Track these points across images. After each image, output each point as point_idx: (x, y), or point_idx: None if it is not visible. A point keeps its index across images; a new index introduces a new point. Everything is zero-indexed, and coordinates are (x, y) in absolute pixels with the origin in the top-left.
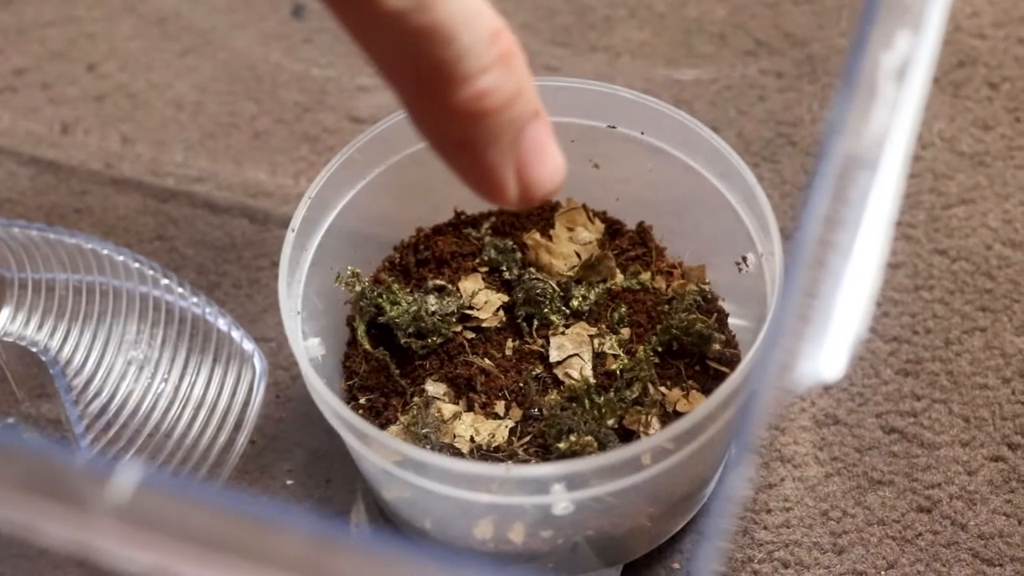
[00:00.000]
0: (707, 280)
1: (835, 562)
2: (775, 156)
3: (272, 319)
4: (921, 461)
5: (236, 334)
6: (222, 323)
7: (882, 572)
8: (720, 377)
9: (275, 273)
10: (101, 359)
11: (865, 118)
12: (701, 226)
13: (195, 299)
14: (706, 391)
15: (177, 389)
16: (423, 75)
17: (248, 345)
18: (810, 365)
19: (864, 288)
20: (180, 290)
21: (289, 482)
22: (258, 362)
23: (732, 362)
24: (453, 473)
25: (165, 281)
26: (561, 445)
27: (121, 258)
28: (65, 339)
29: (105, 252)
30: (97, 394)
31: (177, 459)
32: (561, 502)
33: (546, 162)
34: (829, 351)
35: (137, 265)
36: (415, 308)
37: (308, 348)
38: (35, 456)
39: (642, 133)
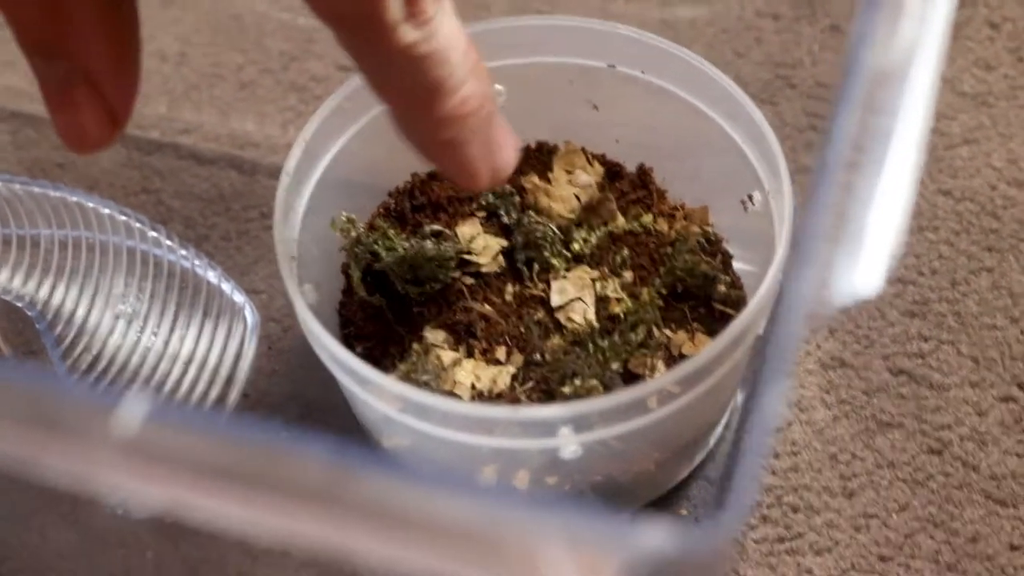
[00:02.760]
0: (710, 222)
1: (845, 506)
2: (774, 99)
3: (263, 271)
4: (930, 403)
5: (226, 286)
6: (212, 276)
7: (893, 515)
8: (725, 319)
9: (264, 224)
10: (89, 314)
11: (892, 31)
12: (704, 167)
13: (184, 252)
14: (711, 333)
15: (167, 343)
16: (421, 92)
17: (239, 297)
18: (845, 282)
19: (899, 200)
20: (168, 243)
21: (283, 435)
22: (249, 314)
23: (737, 304)
24: (457, 416)
25: (153, 234)
26: (566, 389)
27: (107, 211)
28: (52, 294)
29: (91, 205)
30: (86, 350)
31: None
32: (569, 445)
33: (508, 147)
34: (865, 266)
35: (124, 218)
36: (412, 254)
37: (304, 294)
38: (37, 389)
39: (643, 72)
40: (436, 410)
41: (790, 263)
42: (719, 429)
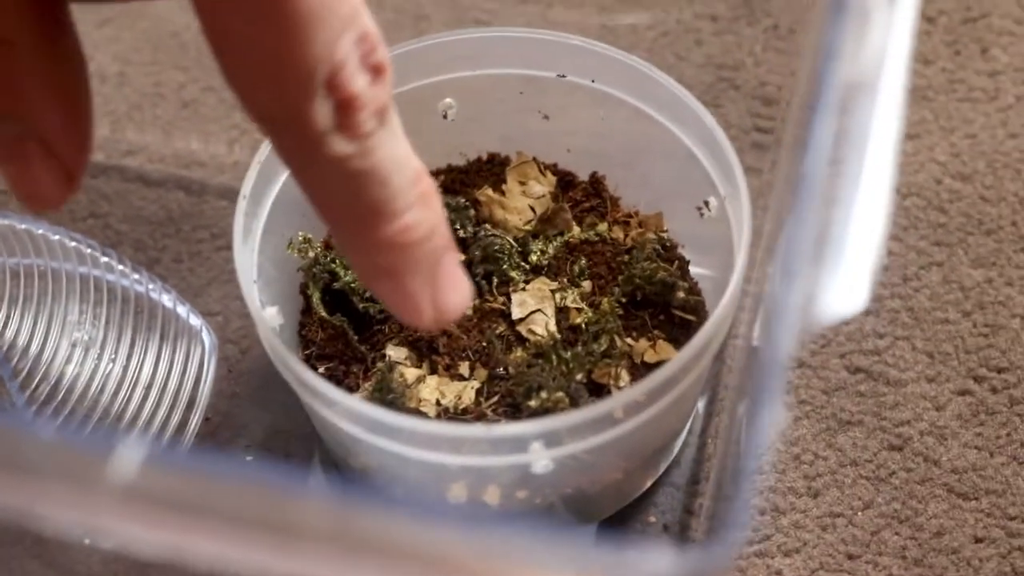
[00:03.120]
0: (665, 228)
1: (811, 505)
2: (718, 100)
3: (216, 292)
4: (889, 399)
5: (182, 310)
6: (166, 299)
7: (858, 513)
8: (685, 325)
9: (216, 245)
10: (44, 343)
11: (860, 42)
12: (656, 173)
13: (137, 276)
14: (672, 340)
15: (125, 370)
16: (358, 211)
17: (195, 320)
18: (829, 301)
19: (877, 214)
20: (121, 267)
21: (248, 459)
22: (206, 337)
23: (696, 309)
24: (428, 435)
25: (104, 259)
26: (532, 403)
27: (57, 237)
28: (6, 325)
29: (40, 232)
30: (43, 379)
31: None
32: (541, 460)
33: (457, 289)
34: (847, 283)
35: (74, 244)
36: None
37: (267, 317)
38: (30, 436)
39: (593, 81)
40: (404, 430)
41: (775, 283)
42: (683, 436)
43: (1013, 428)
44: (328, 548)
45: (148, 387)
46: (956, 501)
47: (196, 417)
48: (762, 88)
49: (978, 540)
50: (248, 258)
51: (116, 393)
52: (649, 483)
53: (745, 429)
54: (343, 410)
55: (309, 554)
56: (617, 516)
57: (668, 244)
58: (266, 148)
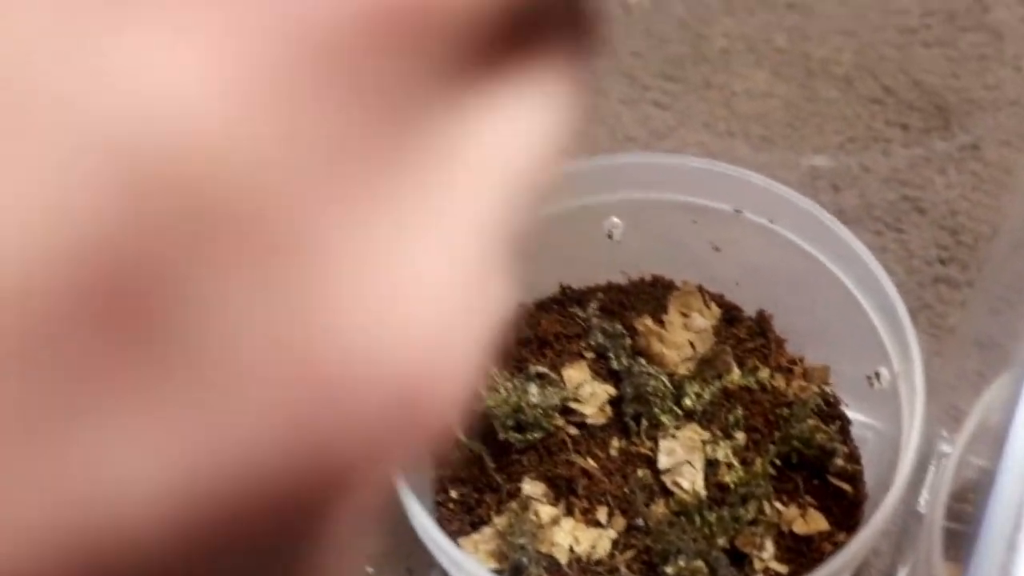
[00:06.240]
0: (829, 382)
1: None
2: (900, 223)
3: None
4: None
5: None
6: None
7: None
8: (840, 495)
9: None
10: None
11: None
12: (826, 326)
13: None
14: (824, 510)
15: None
16: None
17: None
18: None
19: None
20: None
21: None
22: None
23: (854, 479)
24: None
25: None
26: (669, 570)
27: None
28: None
29: None
30: None
31: None
32: None
33: None
34: None
35: None
36: (516, 399)
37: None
38: None
39: (771, 222)
40: None
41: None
42: None
43: None
44: None
45: None
46: None
47: None
48: (951, 216)
49: None
50: None
51: None
52: None
53: None
54: None
55: None
56: None
57: (831, 400)
58: None
